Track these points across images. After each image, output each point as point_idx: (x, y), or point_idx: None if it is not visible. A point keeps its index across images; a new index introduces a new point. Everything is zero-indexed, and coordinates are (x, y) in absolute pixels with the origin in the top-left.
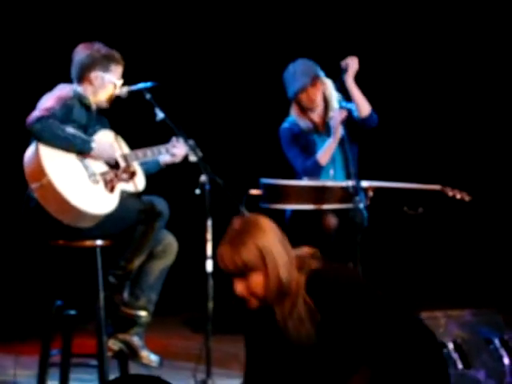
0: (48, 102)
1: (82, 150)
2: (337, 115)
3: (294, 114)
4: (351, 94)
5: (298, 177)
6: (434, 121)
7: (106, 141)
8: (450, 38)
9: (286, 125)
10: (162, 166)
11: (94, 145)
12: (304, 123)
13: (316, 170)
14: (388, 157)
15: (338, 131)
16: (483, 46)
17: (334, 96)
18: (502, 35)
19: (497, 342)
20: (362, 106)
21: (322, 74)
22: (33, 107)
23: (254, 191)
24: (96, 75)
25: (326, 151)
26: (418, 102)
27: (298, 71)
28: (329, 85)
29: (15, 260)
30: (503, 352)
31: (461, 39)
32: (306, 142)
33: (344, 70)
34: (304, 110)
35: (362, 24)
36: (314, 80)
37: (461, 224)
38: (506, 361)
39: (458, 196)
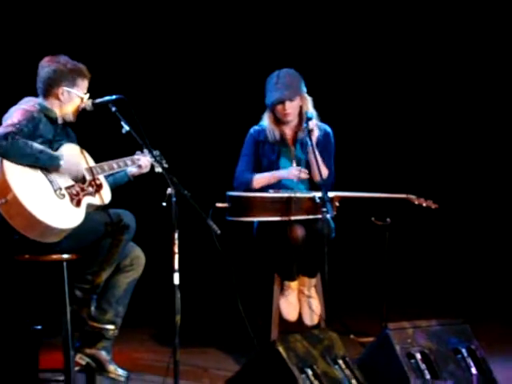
0: (14, 116)
1: (50, 167)
2: (293, 172)
3: (266, 121)
4: (309, 158)
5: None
6: (398, 129)
7: (73, 157)
8: (421, 52)
9: (255, 128)
10: (130, 178)
11: (61, 162)
12: (272, 134)
13: (243, 187)
14: (354, 167)
15: (280, 176)
16: (457, 60)
17: (311, 113)
18: (484, 52)
19: (464, 351)
20: (316, 173)
21: (304, 89)
22: None
23: (220, 204)
24: (63, 90)
25: (263, 180)
26: (382, 112)
27: (280, 82)
28: (308, 101)
29: None
30: (471, 362)
31: (433, 56)
32: (266, 151)
33: (308, 132)
34: (277, 121)
35: (341, 32)
36: (295, 95)
37: (428, 232)
38: (474, 370)
39: (424, 204)
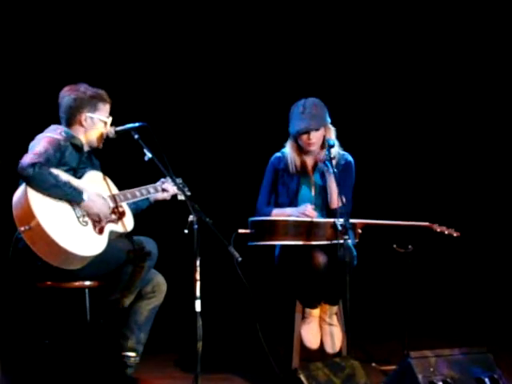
0: (41, 145)
1: (73, 200)
2: (307, 211)
3: (288, 148)
4: (328, 185)
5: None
6: (420, 158)
7: (96, 186)
8: (431, 75)
9: (276, 155)
10: (151, 202)
11: (85, 197)
12: (293, 164)
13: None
14: (376, 194)
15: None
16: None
17: (333, 141)
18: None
19: (487, 381)
20: (334, 200)
21: (328, 120)
22: (22, 147)
23: (242, 230)
24: (85, 117)
25: (282, 215)
26: (405, 141)
27: (307, 111)
28: (332, 132)
29: (3, 301)
30: None
31: (442, 76)
32: (286, 179)
33: (329, 158)
34: (300, 149)
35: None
36: (320, 125)
37: (450, 261)
38: None
39: (446, 232)
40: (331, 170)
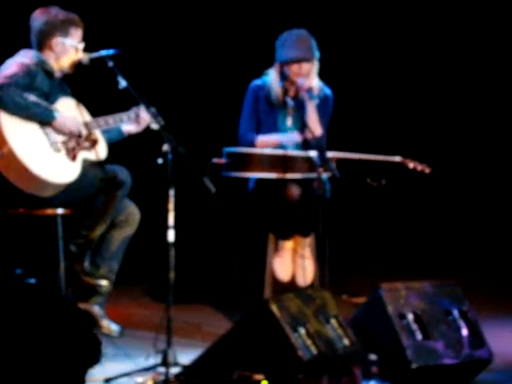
0: (11, 68)
1: (45, 120)
2: (290, 138)
3: (271, 76)
4: (308, 113)
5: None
6: (395, 92)
7: (69, 112)
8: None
9: (256, 82)
10: (125, 135)
11: (56, 114)
12: (275, 93)
13: (248, 147)
14: (349, 128)
15: (282, 140)
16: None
17: (316, 81)
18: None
19: (456, 313)
20: (312, 130)
21: (318, 54)
22: None
23: (217, 160)
24: (56, 41)
25: (266, 144)
26: (380, 74)
27: (301, 41)
28: (317, 68)
29: None
30: (462, 323)
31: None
32: (265, 108)
33: (311, 92)
34: (285, 78)
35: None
36: (312, 57)
37: (421, 196)
38: (465, 332)
39: (419, 168)
40: (314, 99)
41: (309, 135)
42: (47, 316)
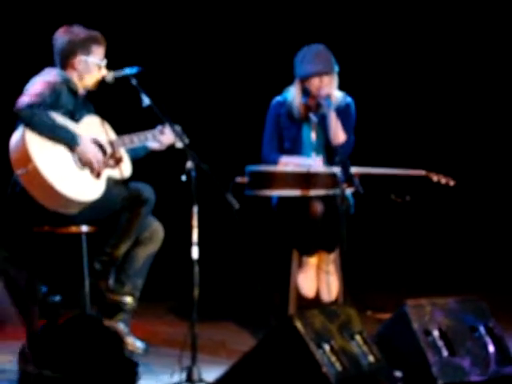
0: (37, 86)
1: (68, 144)
2: (312, 162)
3: (292, 92)
4: (329, 121)
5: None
6: (417, 106)
7: (94, 131)
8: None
9: (277, 99)
10: (149, 151)
11: (79, 141)
12: (297, 109)
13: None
14: (373, 143)
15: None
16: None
17: (336, 92)
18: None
19: (482, 329)
20: (335, 136)
21: (337, 68)
22: (18, 90)
23: (240, 179)
24: (79, 60)
25: (289, 163)
26: (402, 88)
27: (320, 56)
28: (336, 81)
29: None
30: (488, 339)
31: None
32: (288, 124)
33: (329, 100)
34: (307, 94)
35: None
36: (332, 71)
37: (446, 209)
38: (491, 348)
39: (443, 181)
40: (331, 106)
41: (333, 142)
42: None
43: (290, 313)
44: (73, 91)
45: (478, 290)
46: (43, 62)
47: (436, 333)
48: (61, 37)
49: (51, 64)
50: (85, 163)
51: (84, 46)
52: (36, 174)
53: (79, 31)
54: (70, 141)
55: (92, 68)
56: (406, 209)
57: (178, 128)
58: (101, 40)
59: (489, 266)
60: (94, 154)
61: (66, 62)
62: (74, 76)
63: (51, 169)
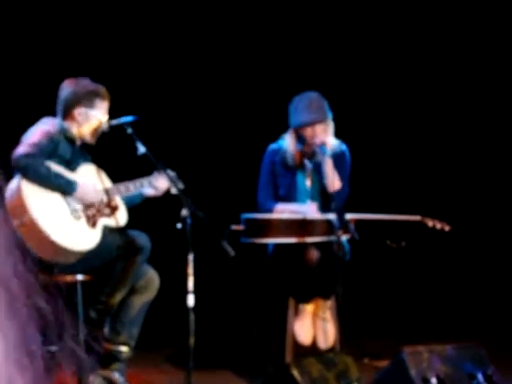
0: (34, 136)
1: (65, 191)
2: (307, 209)
3: (287, 140)
4: (324, 168)
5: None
6: (412, 152)
7: (90, 179)
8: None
9: (272, 147)
10: (145, 198)
11: (76, 186)
12: (291, 157)
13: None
14: (368, 189)
15: (300, 211)
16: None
17: (331, 139)
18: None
19: (480, 377)
20: (330, 184)
21: (330, 114)
22: (15, 140)
23: (236, 226)
24: (80, 111)
25: (284, 211)
26: (396, 134)
27: (313, 104)
28: (331, 128)
29: None
30: None
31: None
32: (282, 171)
33: (324, 147)
34: (302, 142)
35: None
36: (326, 119)
37: (442, 255)
38: None
39: (439, 226)
40: (327, 153)
41: (329, 189)
42: None
43: (287, 361)
44: (70, 140)
45: (475, 336)
46: (42, 111)
47: (434, 380)
48: (66, 87)
49: (50, 114)
50: (88, 203)
51: (88, 99)
52: (32, 226)
53: (86, 84)
54: (66, 187)
55: (91, 120)
56: (402, 254)
57: (172, 174)
58: (105, 95)
59: (486, 312)
60: (93, 195)
61: (67, 111)
62: (72, 126)
63: (47, 220)
